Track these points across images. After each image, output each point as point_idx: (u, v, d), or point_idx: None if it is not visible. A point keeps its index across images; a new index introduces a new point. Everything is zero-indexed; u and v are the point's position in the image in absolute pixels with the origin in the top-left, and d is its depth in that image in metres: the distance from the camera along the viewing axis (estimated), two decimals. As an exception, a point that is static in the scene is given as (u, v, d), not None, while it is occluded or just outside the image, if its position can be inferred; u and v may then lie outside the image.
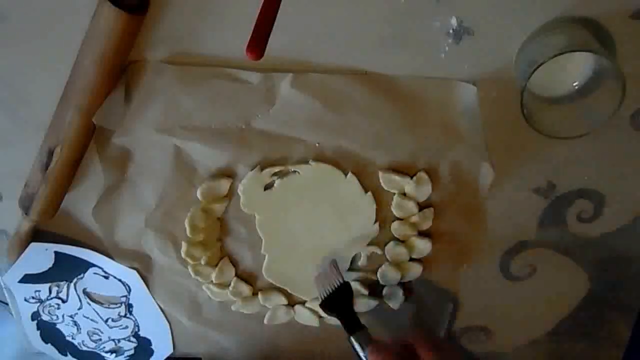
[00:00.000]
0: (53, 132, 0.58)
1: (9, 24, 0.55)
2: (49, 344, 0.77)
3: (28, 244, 0.66)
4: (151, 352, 0.75)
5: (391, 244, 0.64)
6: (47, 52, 0.56)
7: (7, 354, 1.00)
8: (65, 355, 0.77)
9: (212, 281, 0.68)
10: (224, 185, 0.62)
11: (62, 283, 0.70)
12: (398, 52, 0.55)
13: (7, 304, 0.75)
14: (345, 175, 0.61)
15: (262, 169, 0.61)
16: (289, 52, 0.55)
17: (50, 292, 0.71)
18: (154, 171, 0.62)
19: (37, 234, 0.67)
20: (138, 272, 0.68)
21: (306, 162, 0.60)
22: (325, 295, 0.63)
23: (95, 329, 0.74)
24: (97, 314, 0.72)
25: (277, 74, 0.56)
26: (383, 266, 0.66)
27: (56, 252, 0.68)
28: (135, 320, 0.73)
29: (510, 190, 0.62)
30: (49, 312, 0.73)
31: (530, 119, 0.51)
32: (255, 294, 0.69)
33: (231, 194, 0.63)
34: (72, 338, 0.75)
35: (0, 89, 0.59)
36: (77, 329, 0.74)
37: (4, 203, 0.66)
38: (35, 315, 0.74)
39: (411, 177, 0.61)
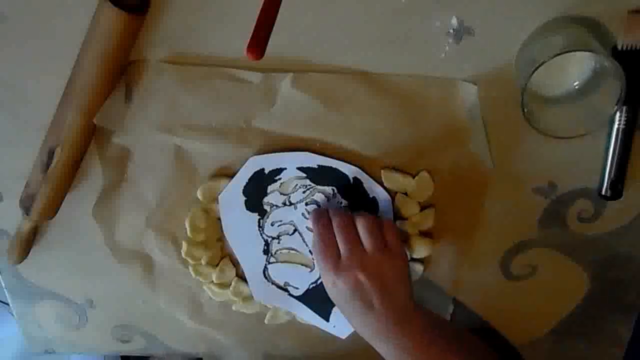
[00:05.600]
0: (53, 132, 0.58)
1: (9, 24, 0.55)
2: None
3: (29, 244, 0.66)
4: None
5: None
6: (47, 52, 0.56)
7: (7, 354, 1.00)
8: None
9: (212, 281, 0.68)
10: (224, 185, 0.62)
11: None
12: (398, 52, 0.55)
13: (7, 304, 0.75)
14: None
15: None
16: (289, 52, 0.55)
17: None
18: (155, 171, 0.62)
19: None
20: (138, 271, 0.69)
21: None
22: None
23: None
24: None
25: (278, 74, 0.56)
26: (383, 266, 0.66)
27: None
28: None
29: (510, 190, 0.62)
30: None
31: (530, 118, 0.51)
32: (255, 294, 0.69)
33: (231, 194, 0.63)
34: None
35: (0, 89, 0.59)
36: None
37: (4, 203, 0.66)
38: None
39: (413, 177, 0.61)
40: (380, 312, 0.54)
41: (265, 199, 0.63)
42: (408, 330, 0.54)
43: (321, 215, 0.59)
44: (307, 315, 0.70)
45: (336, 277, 0.55)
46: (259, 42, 0.42)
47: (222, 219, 0.64)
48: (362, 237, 0.56)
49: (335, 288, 0.56)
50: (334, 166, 0.60)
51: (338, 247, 0.56)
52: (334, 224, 0.57)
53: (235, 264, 0.68)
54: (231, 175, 0.62)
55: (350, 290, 0.54)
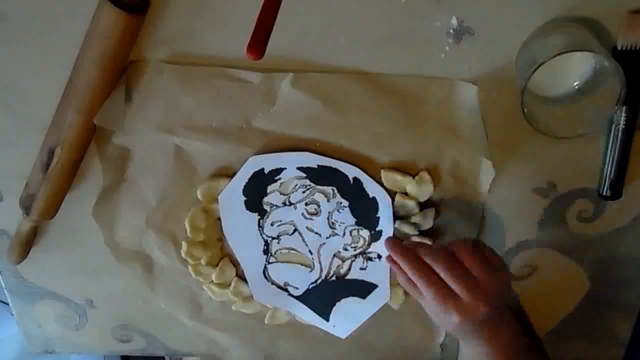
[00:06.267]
0: (53, 132, 0.58)
1: (9, 24, 0.55)
2: None
3: (29, 244, 0.66)
4: None
5: (391, 243, 0.64)
6: (47, 52, 0.56)
7: (7, 354, 1.00)
8: None
9: (212, 281, 0.68)
10: (224, 185, 0.62)
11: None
12: (398, 52, 0.55)
13: (7, 304, 0.75)
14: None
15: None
16: (289, 52, 0.55)
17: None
18: (155, 171, 0.62)
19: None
20: (138, 271, 0.68)
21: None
22: None
23: None
24: None
25: (278, 74, 0.56)
26: (383, 266, 0.66)
27: None
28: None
29: (510, 190, 0.62)
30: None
31: (530, 118, 0.51)
32: (255, 294, 0.69)
33: (231, 194, 0.63)
34: None
35: (0, 89, 0.59)
36: None
37: (4, 203, 0.66)
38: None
39: (412, 177, 0.61)
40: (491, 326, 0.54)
41: (265, 199, 0.63)
42: (503, 336, 0.54)
43: (410, 259, 0.55)
44: (307, 315, 0.70)
45: (462, 318, 0.52)
46: (259, 42, 0.42)
47: (222, 219, 0.64)
48: (467, 265, 0.53)
49: (459, 327, 0.53)
50: (334, 166, 0.60)
51: (448, 286, 0.53)
52: (440, 266, 0.53)
53: (235, 264, 0.68)
54: (231, 175, 0.62)
55: (477, 323, 0.53)
